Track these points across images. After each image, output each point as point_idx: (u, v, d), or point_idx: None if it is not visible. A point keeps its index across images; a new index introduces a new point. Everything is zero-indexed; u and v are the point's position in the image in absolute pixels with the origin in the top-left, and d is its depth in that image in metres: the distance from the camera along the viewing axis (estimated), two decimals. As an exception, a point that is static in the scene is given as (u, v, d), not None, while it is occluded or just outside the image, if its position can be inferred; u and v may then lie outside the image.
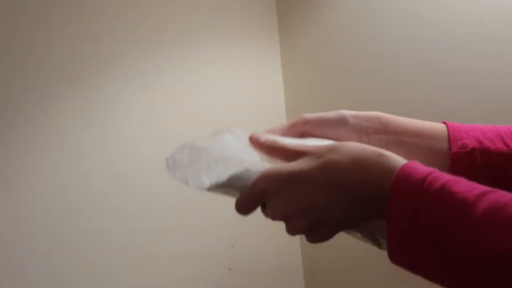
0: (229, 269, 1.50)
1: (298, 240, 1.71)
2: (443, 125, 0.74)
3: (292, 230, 0.58)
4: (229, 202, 1.48)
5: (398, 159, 0.54)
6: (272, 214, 0.59)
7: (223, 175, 0.61)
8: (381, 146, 0.65)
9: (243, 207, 0.63)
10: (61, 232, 1.23)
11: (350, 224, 0.57)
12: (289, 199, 0.56)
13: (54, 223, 1.21)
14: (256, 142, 0.65)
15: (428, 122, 0.75)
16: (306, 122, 0.72)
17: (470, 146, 0.69)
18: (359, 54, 1.51)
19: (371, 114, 0.73)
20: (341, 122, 0.71)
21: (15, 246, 1.17)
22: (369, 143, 0.70)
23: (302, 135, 0.72)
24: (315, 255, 1.71)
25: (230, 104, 1.57)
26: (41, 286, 1.20)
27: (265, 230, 1.59)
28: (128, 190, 1.33)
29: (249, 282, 1.57)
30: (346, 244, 1.56)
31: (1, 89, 1.18)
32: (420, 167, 0.52)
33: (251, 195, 0.60)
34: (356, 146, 0.56)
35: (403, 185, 0.51)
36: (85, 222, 1.26)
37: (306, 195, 0.55)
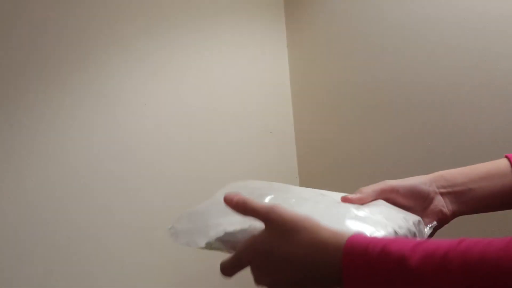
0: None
1: None
2: (505, 160, 0.78)
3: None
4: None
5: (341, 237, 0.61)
6: (255, 281, 0.67)
7: (212, 237, 0.70)
8: (455, 200, 0.77)
9: (229, 272, 0.69)
10: (73, 211, 1.24)
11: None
12: (257, 265, 0.66)
13: (63, 203, 1.22)
14: (229, 202, 0.69)
15: (489, 162, 0.80)
16: (393, 190, 0.78)
17: None
18: (367, 35, 1.51)
19: (434, 175, 0.79)
20: (427, 196, 0.78)
21: (25, 227, 1.18)
22: (444, 201, 0.78)
23: (387, 199, 0.77)
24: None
25: (235, 85, 1.59)
26: (50, 267, 1.23)
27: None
28: (135, 169, 1.34)
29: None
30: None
31: (6, 71, 1.18)
32: (361, 238, 0.60)
33: (239, 263, 0.68)
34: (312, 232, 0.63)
35: (351, 258, 0.58)
36: (95, 203, 1.27)
37: (277, 269, 0.64)
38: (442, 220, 0.77)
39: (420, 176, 0.79)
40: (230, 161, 1.55)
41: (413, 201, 0.77)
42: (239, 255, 0.67)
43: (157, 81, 1.40)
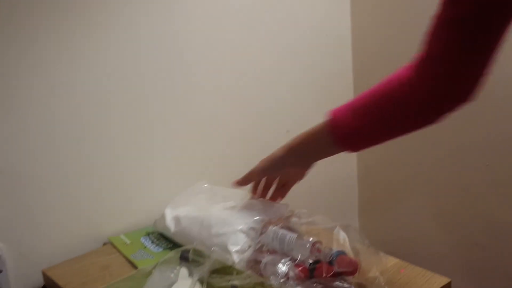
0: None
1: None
2: (323, 121, 0.98)
3: None
4: (284, 89, 1.57)
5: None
6: None
7: None
8: None
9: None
10: (124, 103, 1.25)
11: None
12: None
13: (119, 96, 1.24)
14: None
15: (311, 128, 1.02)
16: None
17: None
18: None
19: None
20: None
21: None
22: None
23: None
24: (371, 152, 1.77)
25: (294, 25, 1.59)
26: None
27: (320, 115, 1.64)
28: (186, 72, 1.36)
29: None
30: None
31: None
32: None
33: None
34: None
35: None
36: (148, 99, 1.29)
37: None
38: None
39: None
40: (282, 63, 1.57)
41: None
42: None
43: None
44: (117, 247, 1.18)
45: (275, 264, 0.94)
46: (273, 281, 0.91)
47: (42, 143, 1.14)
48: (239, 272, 0.94)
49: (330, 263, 0.90)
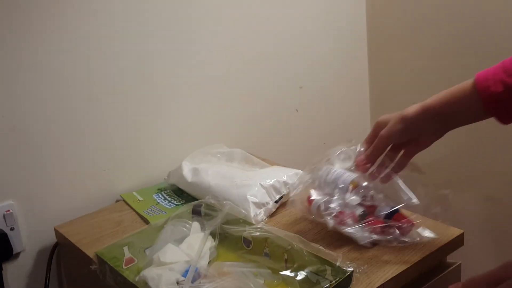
0: (296, 110, 1.55)
1: (368, 87, 1.74)
2: (470, 81, 0.81)
3: None
4: (297, 45, 1.55)
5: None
6: None
7: None
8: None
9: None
10: (138, 63, 1.23)
11: None
12: None
13: (134, 56, 1.21)
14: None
15: (456, 86, 0.82)
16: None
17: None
18: None
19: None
20: None
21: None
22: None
23: None
24: (384, 103, 1.77)
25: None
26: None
27: (332, 72, 1.62)
28: (200, 27, 1.33)
29: (316, 123, 1.62)
30: (417, 91, 1.62)
31: None
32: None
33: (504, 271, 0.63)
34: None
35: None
36: (160, 56, 1.27)
37: None
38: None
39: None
40: (295, 18, 1.53)
41: None
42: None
43: None
44: (129, 204, 1.17)
45: (329, 203, 0.90)
46: (328, 221, 0.89)
47: (55, 101, 1.13)
48: (250, 224, 0.93)
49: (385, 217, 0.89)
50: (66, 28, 1.12)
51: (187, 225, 0.95)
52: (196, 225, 0.95)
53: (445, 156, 1.66)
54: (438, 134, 0.86)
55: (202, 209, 0.97)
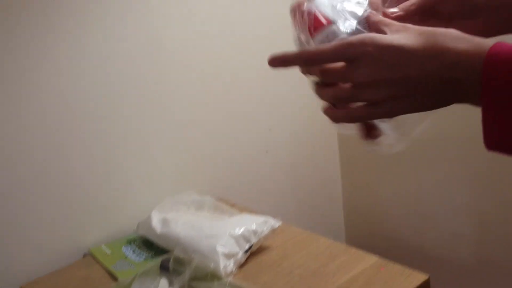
0: (266, 151, 1.55)
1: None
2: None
3: (373, 96, 0.56)
4: (267, 87, 1.56)
5: (488, 41, 0.52)
6: (360, 75, 0.55)
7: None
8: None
9: (320, 60, 0.57)
10: (102, 106, 1.22)
11: (428, 106, 0.56)
12: (381, 67, 0.54)
13: (97, 99, 1.21)
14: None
15: None
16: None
17: None
18: None
19: None
20: None
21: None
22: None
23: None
24: (352, 143, 1.77)
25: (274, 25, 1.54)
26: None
27: (301, 113, 1.62)
28: (166, 70, 1.32)
29: (285, 164, 1.62)
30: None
31: None
32: (508, 45, 0.51)
33: (342, 53, 0.55)
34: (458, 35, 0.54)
35: (495, 56, 0.50)
36: (127, 100, 1.26)
37: (400, 67, 0.54)
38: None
39: None
40: (264, 61, 1.53)
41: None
42: (341, 47, 0.55)
43: None
44: (97, 258, 1.16)
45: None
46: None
47: (20, 150, 1.11)
48: (219, 279, 0.92)
49: None
50: (18, 77, 1.11)
51: (155, 283, 0.93)
52: (164, 282, 0.94)
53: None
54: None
55: (171, 265, 0.96)
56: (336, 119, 0.60)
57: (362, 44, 0.54)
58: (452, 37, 0.53)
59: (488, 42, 0.52)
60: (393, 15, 0.64)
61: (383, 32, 0.56)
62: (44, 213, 1.16)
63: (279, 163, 1.60)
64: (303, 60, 0.58)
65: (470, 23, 0.64)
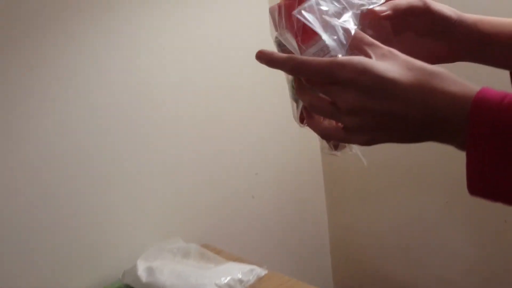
0: (252, 196, 1.56)
1: (321, 170, 1.75)
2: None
3: (353, 123, 0.55)
4: (252, 132, 1.58)
5: (475, 87, 0.52)
6: (345, 101, 0.54)
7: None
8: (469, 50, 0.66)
9: (311, 73, 0.55)
10: (86, 153, 1.23)
11: (409, 140, 0.56)
12: (371, 97, 0.53)
13: (81, 145, 1.22)
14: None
15: (506, 19, 0.67)
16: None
17: None
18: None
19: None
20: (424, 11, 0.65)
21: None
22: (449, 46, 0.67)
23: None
24: (338, 184, 1.76)
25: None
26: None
27: (288, 158, 1.63)
28: (151, 114, 1.33)
29: (272, 209, 1.61)
30: (369, 173, 1.64)
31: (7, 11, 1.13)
32: (494, 91, 0.51)
33: (331, 73, 0.54)
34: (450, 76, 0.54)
35: (482, 101, 0.50)
36: (110, 145, 1.27)
37: (388, 100, 0.53)
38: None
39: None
40: (249, 106, 1.55)
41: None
42: (331, 66, 0.53)
43: (176, 25, 1.37)
44: (81, 310, 1.15)
45: None
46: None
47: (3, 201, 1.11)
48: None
49: None
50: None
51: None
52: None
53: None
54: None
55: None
56: (309, 124, 0.60)
57: (353, 70, 0.53)
58: (441, 77, 0.53)
59: (475, 87, 0.52)
60: (382, 14, 0.63)
61: (367, 55, 0.56)
62: (27, 260, 1.15)
63: (265, 208, 1.60)
64: (290, 68, 0.56)
65: (437, 44, 0.67)
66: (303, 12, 0.58)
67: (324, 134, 0.59)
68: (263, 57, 0.57)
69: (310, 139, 1.75)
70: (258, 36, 1.48)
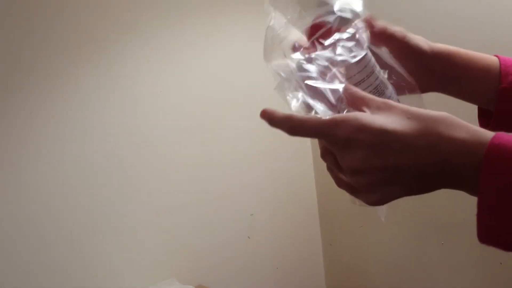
0: (248, 237, 1.56)
1: (317, 210, 1.75)
2: (495, 59, 0.67)
3: (361, 183, 0.53)
4: (248, 173, 1.59)
5: (487, 133, 0.50)
6: (346, 163, 0.52)
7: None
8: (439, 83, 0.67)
9: (308, 134, 0.54)
10: (81, 196, 1.24)
11: (419, 191, 0.54)
12: (373, 154, 0.51)
13: (77, 188, 1.23)
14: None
15: (478, 54, 0.68)
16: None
17: None
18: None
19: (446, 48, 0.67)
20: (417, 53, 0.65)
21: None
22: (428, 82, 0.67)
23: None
24: (333, 225, 1.74)
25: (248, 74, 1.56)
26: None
27: (284, 199, 1.64)
28: (147, 157, 1.35)
29: (267, 250, 1.61)
30: (364, 213, 1.64)
31: (7, 57, 1.16)
32: (509, 137, 0.48)
33: (327, 133, 0.52)
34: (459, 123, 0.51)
35: (496, 155, 0.48)
36: (106, 188, 1.28)
37: (392, 154, 0.50)
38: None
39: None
40: (244, 147, 1.56)
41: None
42: (326, 125, 0.51)
43: (172, 69, 1.39)
44: None
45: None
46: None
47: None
48: None
49: None
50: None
51: None
52: None
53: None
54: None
55: None
56: (331, 175, 0.57)
57: (350, 128, 0.50)
58: (446, 123, 0.50)
59: (486, 134, 0.49)
60: (379, 26, 0.63)
61: (361, 110, 0.53)
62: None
63: (261, 248, 1.60)
64: (287, 128, 0.54)
65: (411, 75, 0.64)
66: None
67: (340, 185, 0.56)
68: (265, 116, 0.56)
69: (305, 180, 1.78)
70: (252, 80, 1.52)
